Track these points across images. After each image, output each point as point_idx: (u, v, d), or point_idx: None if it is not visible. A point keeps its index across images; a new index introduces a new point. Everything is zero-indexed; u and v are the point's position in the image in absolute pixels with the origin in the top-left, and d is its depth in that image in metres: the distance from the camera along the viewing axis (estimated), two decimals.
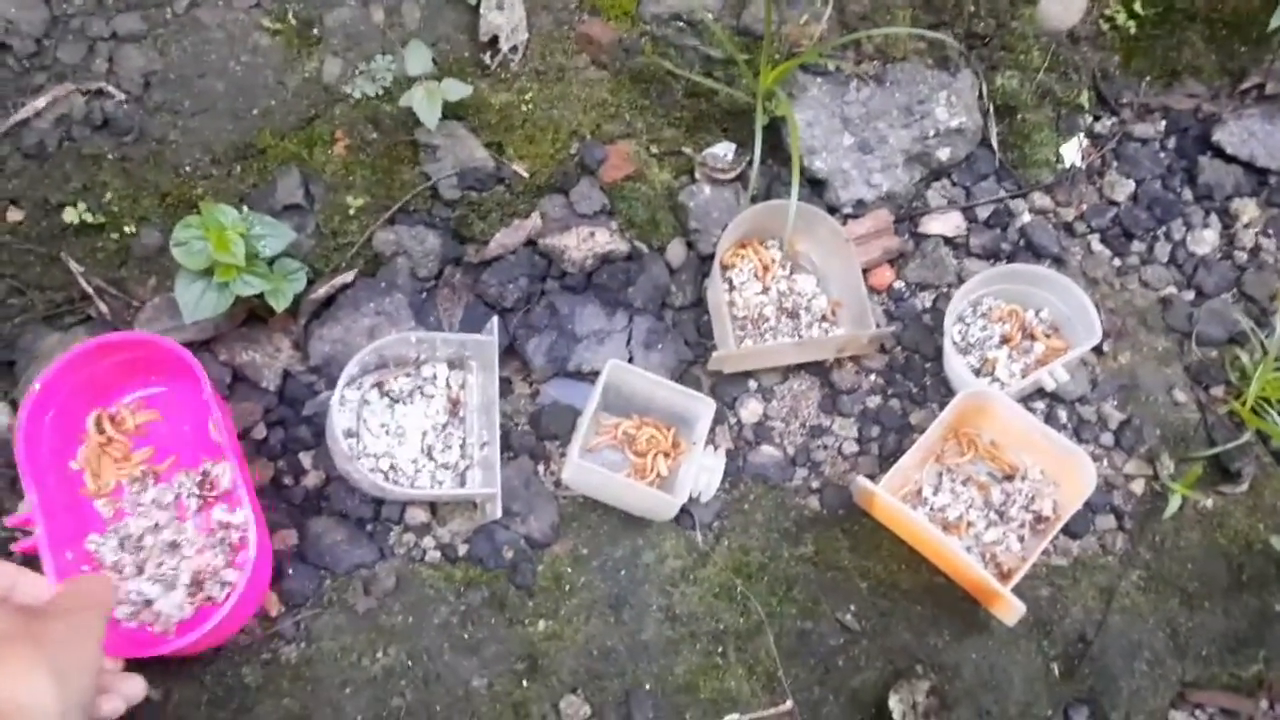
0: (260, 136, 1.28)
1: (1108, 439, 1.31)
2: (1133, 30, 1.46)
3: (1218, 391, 1.33)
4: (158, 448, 1.22)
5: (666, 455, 1.27)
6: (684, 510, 1.25)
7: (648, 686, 1.18)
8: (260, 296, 1.23)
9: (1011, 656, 1.19)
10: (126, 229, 1.27)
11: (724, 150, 1.39)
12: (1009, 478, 1.25)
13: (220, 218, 1.19)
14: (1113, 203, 1.45)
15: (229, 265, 1.18)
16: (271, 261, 1.25)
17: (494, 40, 1.29)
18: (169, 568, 1.15)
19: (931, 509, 1.25)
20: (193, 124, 1.26)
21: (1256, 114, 1.46)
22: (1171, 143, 1.49)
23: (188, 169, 1.27)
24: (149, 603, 1.13)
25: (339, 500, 1.24)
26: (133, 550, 1.16)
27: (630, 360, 1.31)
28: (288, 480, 1.26)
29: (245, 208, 1.26)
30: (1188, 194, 1.46)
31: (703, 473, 1.23)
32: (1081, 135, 1.48)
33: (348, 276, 1.30)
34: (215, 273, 1.19)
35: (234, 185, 1.28)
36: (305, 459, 1.26)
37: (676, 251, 1.38)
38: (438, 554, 1.24)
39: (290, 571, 1.20)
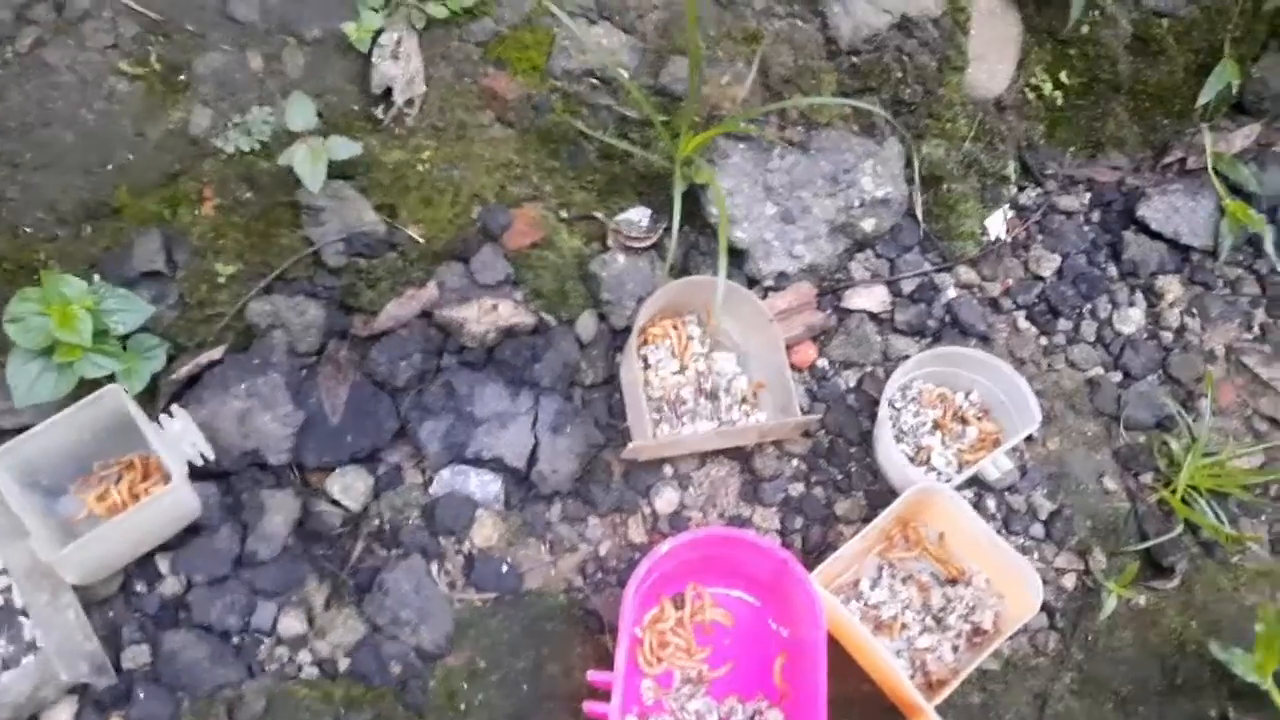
0: (115, 194, 1.13)
1: (1038, 530, 1.25)
2: (1058, 100, 1.42)
3: (1147, 479, 1.29)
4: (716, 650, 1.14)
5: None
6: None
7: None
8: (111, 377, 1.07)
9: None
10: None
11: (639, 216, 1.28)
12: (953, 582, 1.18)
13: (64, 290, 1.04)
14: (1038, 278, 1.40)
15: (72, 345, 1.03)
16: (126, 337, 1.10)
17: (387, 92, 1.17)
18: None
19: (866, 604, 1.16)
20: (34, 179, 1.10)
21: (1179, 189, 1.43)
22: (1096, 216, 1.45)
23: (28, 230, 1.11)
24: None
25: (202, 610, 1.09)
26: None
27: (536, 445, 1.20)
28: (139, 587, 1.10)
29: (96, 276, 1.11)
30: (1113, 270, 1.42)
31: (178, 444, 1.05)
32: (1006, 207, 1.43)
33: (215, 353, 1.16)
34: (55, 352, 1.04)
35: (84, 249, 1.13)
36: (162, 562, 1.11)
37: (587, 324, 1.27)
38: (315, 670, 1.11)
39: (140, 695, 1.05)
